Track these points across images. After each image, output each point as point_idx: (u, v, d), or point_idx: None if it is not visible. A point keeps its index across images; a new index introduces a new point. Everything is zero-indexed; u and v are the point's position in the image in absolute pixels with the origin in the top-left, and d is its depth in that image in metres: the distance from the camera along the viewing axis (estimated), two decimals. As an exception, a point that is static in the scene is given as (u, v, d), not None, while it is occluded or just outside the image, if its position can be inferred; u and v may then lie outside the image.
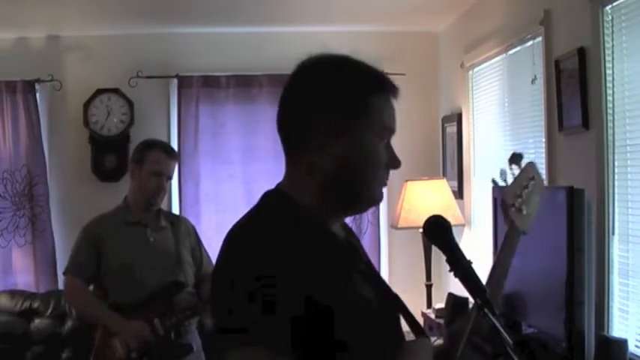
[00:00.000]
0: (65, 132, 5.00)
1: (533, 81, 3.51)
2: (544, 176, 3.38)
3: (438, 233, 1.48)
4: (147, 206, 3.29)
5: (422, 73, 5.11)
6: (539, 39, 3.43)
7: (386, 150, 1.40)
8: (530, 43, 3.59)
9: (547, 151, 3.36)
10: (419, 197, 4.46)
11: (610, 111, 2.81)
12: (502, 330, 1.36)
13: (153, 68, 4.97)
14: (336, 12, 4.64)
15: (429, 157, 5.11)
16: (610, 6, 2.80)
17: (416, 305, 4.54)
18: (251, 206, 1.40)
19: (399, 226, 4.52)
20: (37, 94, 4.91)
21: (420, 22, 4.96)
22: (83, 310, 3.36)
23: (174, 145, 4.83)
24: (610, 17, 2.81)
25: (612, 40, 2.80)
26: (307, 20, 4.81)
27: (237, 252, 1.29)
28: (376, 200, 1.42)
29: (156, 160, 3.26)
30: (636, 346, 2.67)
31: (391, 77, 1.41)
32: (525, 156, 1.73)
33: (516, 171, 1.67)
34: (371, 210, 4.77)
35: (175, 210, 4.94)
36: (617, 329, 2.79)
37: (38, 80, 4.90)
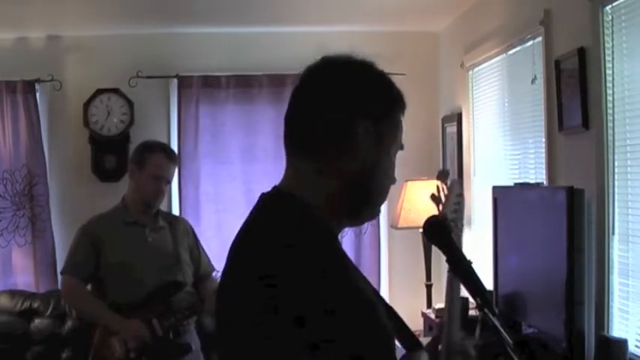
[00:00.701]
0: (65, 132, 5.00)
1: (533, 81, 3.51)
2: (544, 176, 3.39)
3: (438, 233, 1.49)
4: (145, 209, 3.28)
5: (422, 73, 5.10)
6: (539, 39, 3.43)
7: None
8: (530, 43, 3.59)
9: (547, 151, 3.35)
10: (419, 197, 4.45)
11: (610, 111, 2.81)
12: (502, 330, 1.36)
13: (153, 68, 4.97)
14: (336, 12, 4.64)
15: (429, 157, 5.10)
16: (610, 6, 2.80)
17: (416, 305, 4.55)
18: (251, 206, 1.36)
19: (399, 226, 4.52)
20: (37, 94, 4.91)
21: (420, 22, 4.96)
22: (81, 310, 3.36)
23: (174, 145, 4.84)
24: (610, 17, 2.81)
25: (612, 40, 2.80)
26: (307, 20, 4.81)
27: (277, 272, 1.19)
28: (377, 215, 1.43)
29: (157, 164, 3.23)
30: (636, 346, 2.68)
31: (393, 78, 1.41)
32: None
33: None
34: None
35: (175, 210, 4.94)
36: (617, 329, 2.79)
37: (38, 80, 4.90)
